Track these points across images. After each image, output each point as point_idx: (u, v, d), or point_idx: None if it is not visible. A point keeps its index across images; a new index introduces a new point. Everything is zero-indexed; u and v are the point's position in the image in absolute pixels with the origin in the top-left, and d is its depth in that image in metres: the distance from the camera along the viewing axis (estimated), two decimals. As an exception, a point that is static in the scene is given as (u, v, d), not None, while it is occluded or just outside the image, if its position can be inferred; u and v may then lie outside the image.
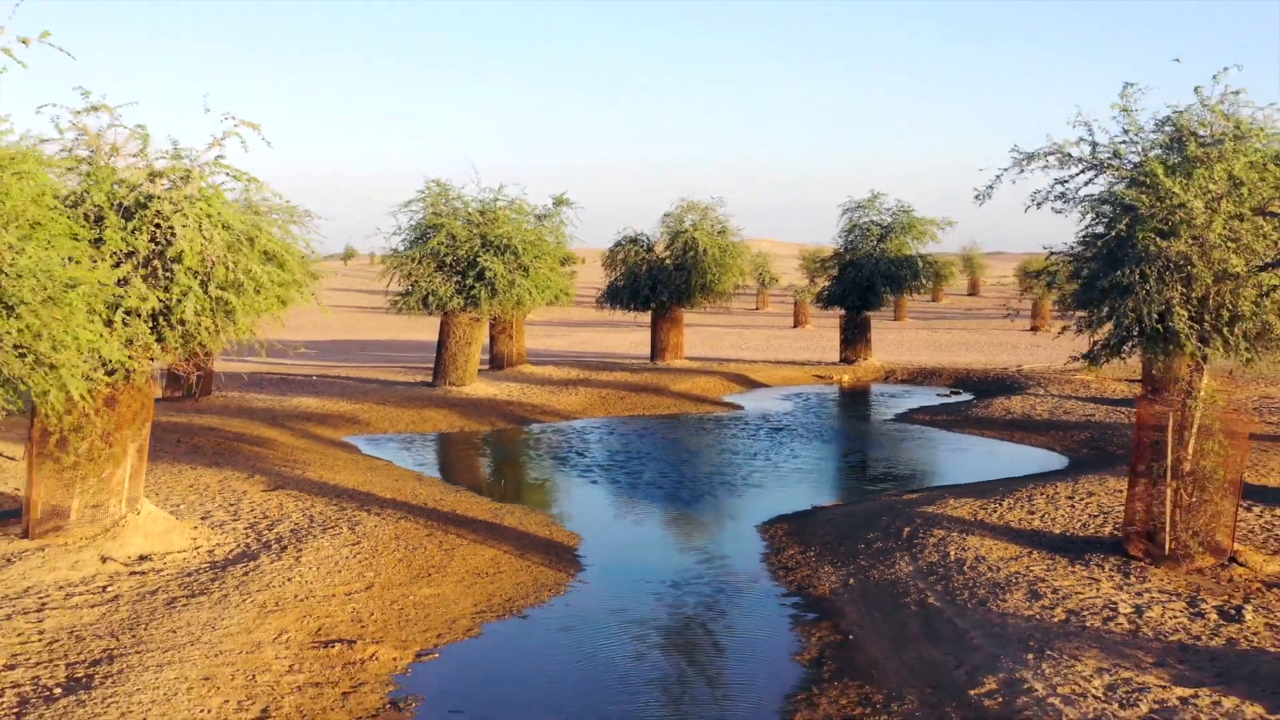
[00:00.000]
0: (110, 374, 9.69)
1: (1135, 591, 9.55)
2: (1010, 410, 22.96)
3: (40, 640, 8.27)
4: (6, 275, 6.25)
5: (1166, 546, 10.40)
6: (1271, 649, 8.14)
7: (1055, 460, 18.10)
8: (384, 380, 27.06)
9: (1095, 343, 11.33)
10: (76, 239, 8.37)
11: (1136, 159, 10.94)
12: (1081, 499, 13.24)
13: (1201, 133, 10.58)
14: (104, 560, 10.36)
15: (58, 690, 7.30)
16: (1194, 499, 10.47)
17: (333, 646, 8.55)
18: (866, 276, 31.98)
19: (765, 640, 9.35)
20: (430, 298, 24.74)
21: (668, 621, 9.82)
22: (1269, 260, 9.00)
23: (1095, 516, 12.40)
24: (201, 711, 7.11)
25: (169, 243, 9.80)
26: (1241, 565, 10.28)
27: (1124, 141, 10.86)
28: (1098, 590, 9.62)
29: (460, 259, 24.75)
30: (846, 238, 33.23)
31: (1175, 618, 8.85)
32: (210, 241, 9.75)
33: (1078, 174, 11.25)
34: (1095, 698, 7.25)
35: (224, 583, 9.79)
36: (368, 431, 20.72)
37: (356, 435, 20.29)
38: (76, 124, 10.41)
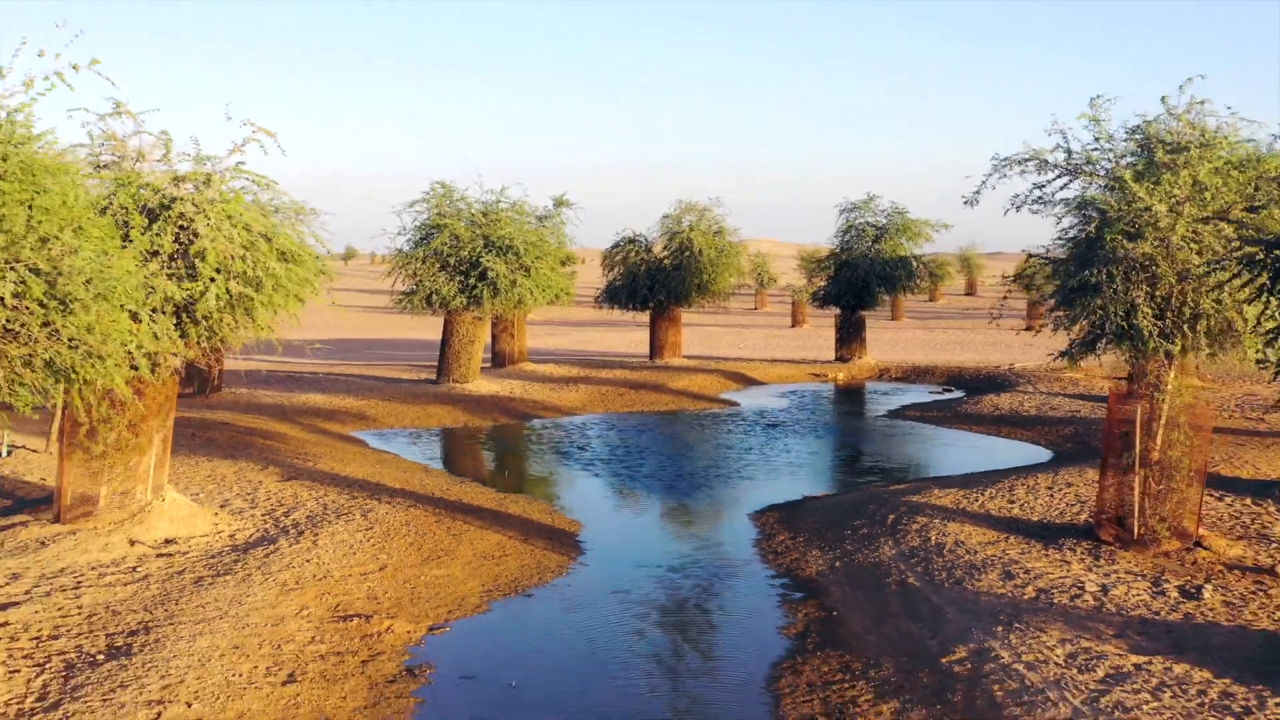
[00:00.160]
0: (135, 367, 10.30)
1: (1103, 572, 10.17)
2: (999, 407, 23.60)
3: (79, 614, 8.88)
4: (64, 274, 6.86)
5: (1135, 531, 11.02)
6: (1225, 623, 8.76)
7: (1040, 454, 18.73)
8: (389, 378, 27.67)
9: (1072, 341, 11.97)
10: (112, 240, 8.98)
11: (1109, 164, 11.57)
12: (1060, 489, 13.85)
13: (1169, 140, 11.21)
14: (132, 543, 10.97)
15: (100, 657, 7.92)
16: (1161, 487, 11.09)
17: (351, 620, 9.18)
18: (862, 277, 32.60)
19: (755, 617, 9.97)
20: (434, 297, 25.34)
21: (664, 600, 10.45)
22: (1217, 259, 9.59)
23: (1072, 505, 13.01)
24: (234, 675, 7.73)
25: (191, 242, 10.43)
26: (1206, 549, 10.89)
27: (1095, 149, 11.49)
28: (1068, 571, 10.24)
29: (463, 259, 25.36)
30: (842, 238, 33.86)
31: (1138, 595, 9.47)
32: (231, 241, 10.37)
33: (1054, 179, 11.89)
34: (1056, 664, 7.87)
35: (246, 564, 10.41)
36: (375, 427, 21.34)
37: (364, 430, 20.90)
38: (106, 131, 11.03)
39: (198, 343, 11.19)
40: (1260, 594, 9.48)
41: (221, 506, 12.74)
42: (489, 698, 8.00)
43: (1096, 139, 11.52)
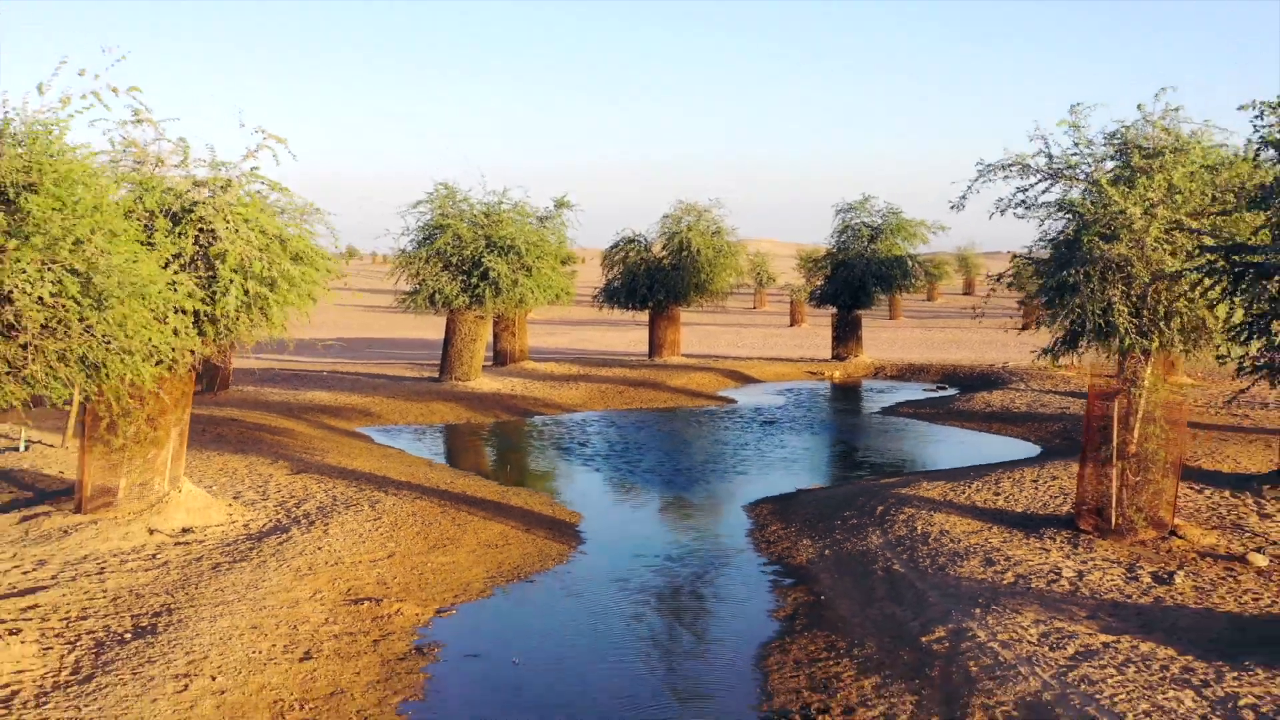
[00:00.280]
0: (157, 363, 10.78)
1: (1080, 560, 10.65)
2: (990, 404, 24.08)
3: (104, 597, 9.36)
4: (98, 274, 7.32)
5: (1113, 521, 11.49)
6: (1194, 605, 9.24)
7: (1028, 449, 19.20)
8: (392, 376, 28.15)
9: (1055, 339, 12.44)
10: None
11: (1089, 169, 12.04)
12: (1045, 482, 14.33)
13: (1144, 145, 11.69)
14: (151, 532, 11.45)
15: (127, 635, 8.40)
16: (1138, 478, 11.56)
17: (362, 604, 9.66)
18: (858, 276, 33.07)
19: (746, 601, 10.45)
20: (437, 296, 25.80)
21: (660, 586, 10.92)
22: (1186, 266, 10.05)
23: (1055, 497, 13.48)
24: (254, 652, 8.20)
25: (210, 244, 10.90)
26: (1180, 538, 11.37)
27: (1075, 154, 11.96)
28: (1046, 558, 10.71)
29: (466, 259, 25.82)
30: (838, 238, 34.34)
31: (1112, 581, 9.94)
32: (249, 243, 10.86)
33: (1036, 183, 12.37)
34: (1029, 642, 8.35)
35: (261, 551, 10.88)
36: (379, 423, 21.82)
37: (369, 426, 21.38)
38: (127, 139, 11.50)
39: (214, 340, 11.66)
40: (1229, 579, 9.95)
41: (234, 498, 13.21)
42: (494, 674, 8.49)
43: (1076, 144, 11.99)
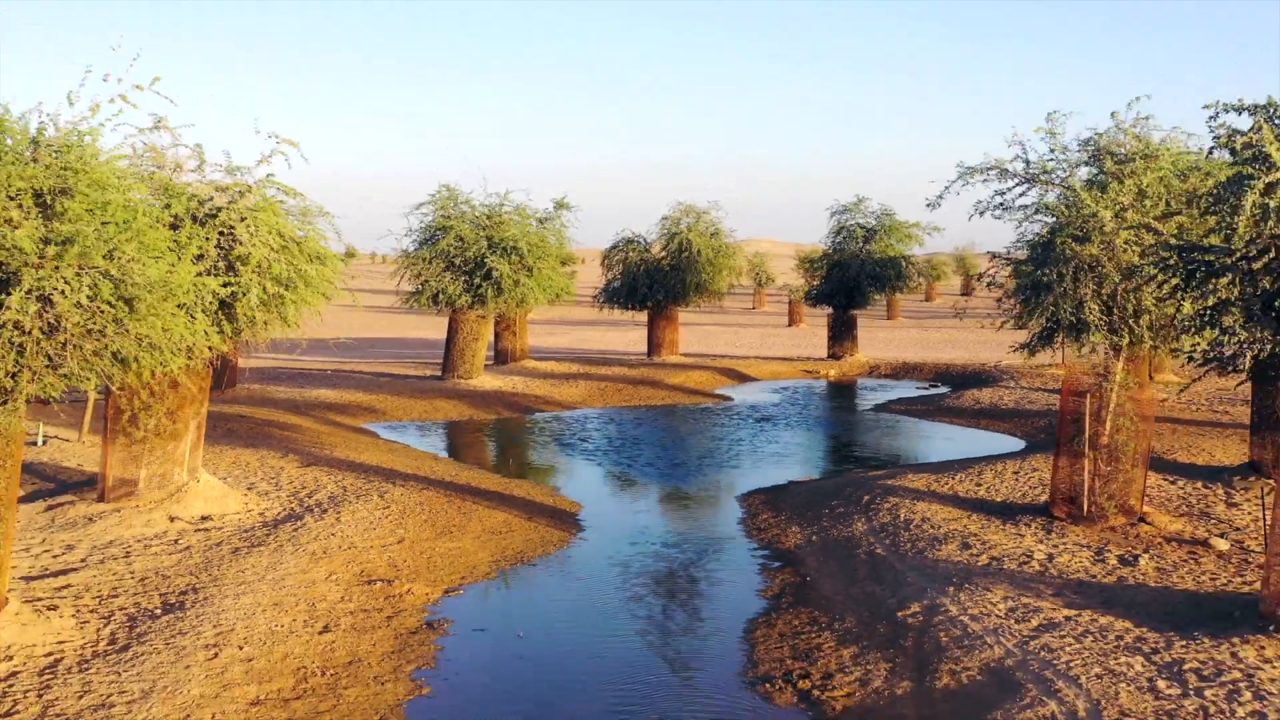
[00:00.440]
0: (190, 357, 11.38)
1: (1052, 544, 11.27)
2: (979, 401, 24.71)
3: (133, 578, 9.98)
4: (128, 279, 7.91)
5: (1085, 508, 12.11)
6: (1154, 584, 9.85)
7: (1013, 443, 19.83)
8: (395, 374, 28.77)
9: (1031, 335, 13.07)
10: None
11: (1063, 173, 12.67)
12: (1026, 474, 14.95)
13: (1117, 152, 12.32)
14: (172, 519, 12.07)
15: (158, 611, 9.01)
16: (1110, 468, 12.19)
17: (375, 584, 10.28)
18: (853, 276, 33.70)
19: (737, 582, 11.08)
20: (440, 296, 26.41)
21: (656, 568, 11.55)
22: (1144, 256, 10.65)
23: (1035, 488, 14.10)
24: (276, 626, 8.82)
25: (232, 247, 11.52)
26: (1149, 524, 11.99)
27: (1051, 160, 12.59)
28: (1020, 543, 11.33)
29: (468, 259, 26.42)
30: (834, 239, 34.97)
31: (1080, 562, 10.56)
32: (267, 246, 11.48)
33: (1014, 186, 12.99)
34: (996, 616, 8.97)
35: (277, 537, 11.50)
36: (384, 419, 22.44)
37: (374, 423, 22.00)
38: (148, 145, 12.11)
39: (231, 337, 12.27)
40: (1191, 562, 10.57)
41: (249, 489, 13.82)
42: (500, 646, 9.12)
43: (1052, 150, 12.62)
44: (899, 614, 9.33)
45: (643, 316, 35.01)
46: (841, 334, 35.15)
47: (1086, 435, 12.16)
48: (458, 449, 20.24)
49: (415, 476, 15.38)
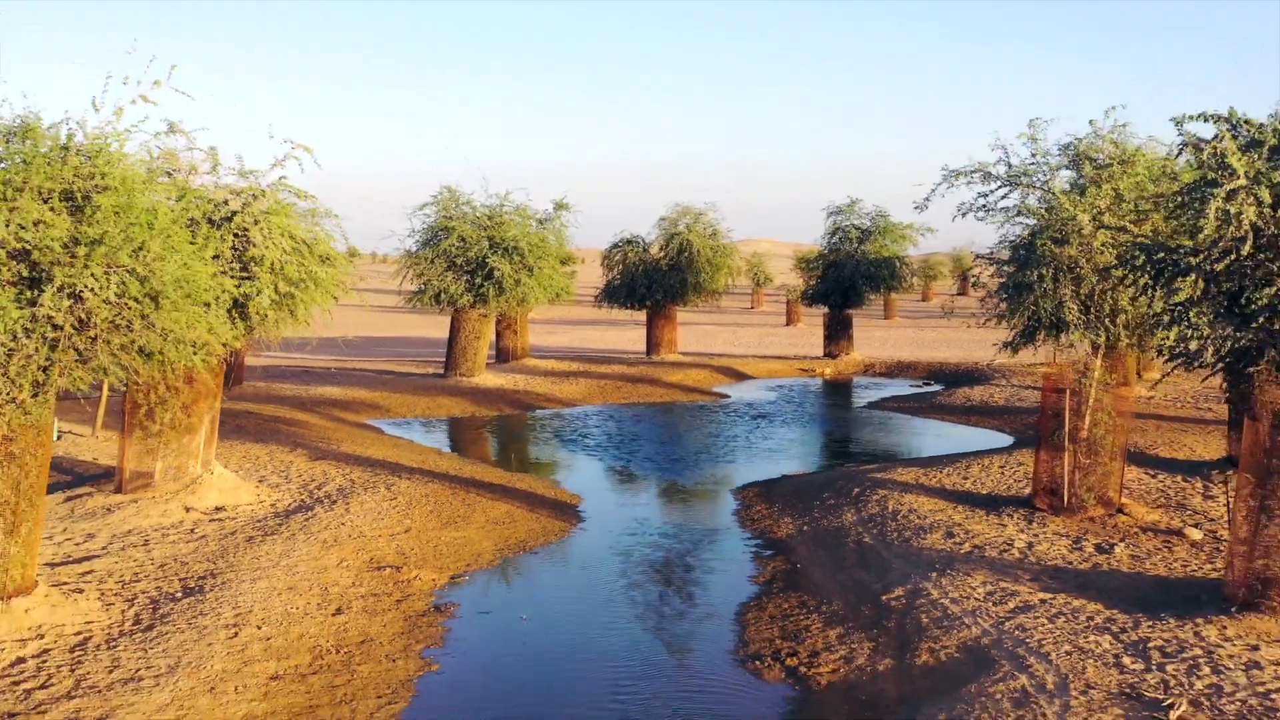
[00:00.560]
0: (212, 353, 11.85)
1: (1033, 533, 11.75)
2: (970, 398, 25.20)
3: (153, 564, 10.45)
4: (154, 276, 8.39)
5: (1065, 500, 12.60)
6: (1127, 570, 10.34)
7: (1002, 439, 20.31)
8: (398, 372, 29.24)
9: (1014, 333, 13.56)
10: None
11: (1044, 177, 13.16)
12: (1012, 468, 15.43)
13: (1095, 158, 12.81)
14: (187, 510, 12.55)
15: (178, 594, 9.49)
16: (1089, 461, 12.67)
17: (384, 570, 10.76)
18: (848, 276, 34.19)
19: (730, 569, 11.57)
20: (442, 295, 26.89)
21: (653, 556, 12.04)
22: (1116, 256, 11.15)
23: (1019, 481, 14.59)
24: (292, 608, 9.30)
25: (246, 248, 12.00)
26: (1126, 515, 12.48)
27: (1032, 164, 13.08)
28: (1002, 532, 11.82)
29: (470, 259, 26.89)
30: (829, 240, 35.46)
31: (1058, 550, 11.05)
32: (280, 247, 11.97)
33: (996, 189, 13.48)
34: (975, 599, 9.45)
35: (289, 526, 11.98)
36: (388, 416, 22.92)
37: (378, 419, 22.48)
38: (164, 149, 12.59)
39: (243, 335, 12.75)
40: (1164, 550, 11.05)
41: (260, 481, 14.30)
42: (504, 627, 9.61)
43: (1034, 155, 13.10)
44: (883, 597, 9.82)
45: (642, 316, 35.48)
46: (837, 333, 35.64)
47: (1066, 430, 12.64)
48: (461, 444, 20.72)
49: (420, 470, 15.86)
